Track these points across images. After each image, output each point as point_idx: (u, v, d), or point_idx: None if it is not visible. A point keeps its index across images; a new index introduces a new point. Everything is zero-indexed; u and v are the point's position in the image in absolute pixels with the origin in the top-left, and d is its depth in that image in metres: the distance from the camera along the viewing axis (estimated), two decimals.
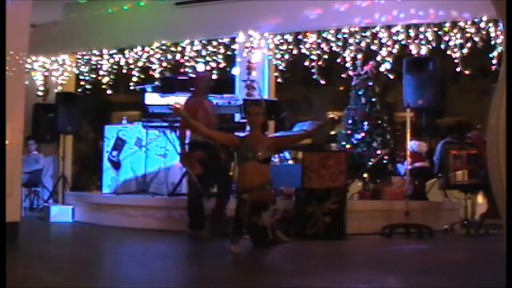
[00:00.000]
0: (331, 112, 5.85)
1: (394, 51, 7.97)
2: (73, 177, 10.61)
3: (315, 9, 8.32)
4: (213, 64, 8.99)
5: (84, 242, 6.10)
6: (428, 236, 6.43)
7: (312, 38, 8.41)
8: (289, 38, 8.56)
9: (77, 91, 10.23)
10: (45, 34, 9.49)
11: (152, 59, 9.46)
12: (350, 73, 8.22)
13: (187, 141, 6.38)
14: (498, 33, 7.24)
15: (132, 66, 9.62)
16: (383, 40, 8.02)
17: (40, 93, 10.32)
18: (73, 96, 10.11)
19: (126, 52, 9.71)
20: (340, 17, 8.24)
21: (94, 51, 10.02)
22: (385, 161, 7.88)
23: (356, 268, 4.56)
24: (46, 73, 10.35)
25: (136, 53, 9.61)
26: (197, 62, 9.06)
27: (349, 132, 8.00)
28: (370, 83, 8.07)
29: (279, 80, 8.69)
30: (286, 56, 8.60)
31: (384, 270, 4.29)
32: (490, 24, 7.40)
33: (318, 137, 7.00)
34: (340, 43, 8.25)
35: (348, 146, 7.89)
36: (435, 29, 7.75)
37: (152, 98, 7.79)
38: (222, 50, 9.00)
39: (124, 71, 9.74)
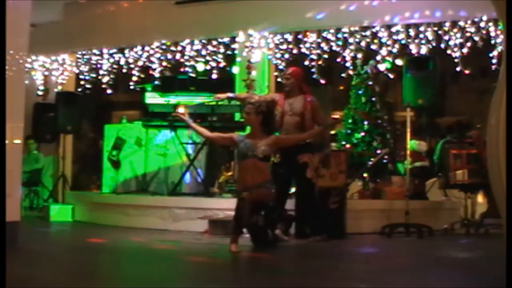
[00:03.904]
0: (334, 113, 5.85)
1: (394, 50, 7.96)
2: (73, 176, 10.59)
3: (315, 8, 8.30)
4: (213, 64, 8.98)
5: (84, 241, 6.09)
6: (428, 235, 6.43)
7: (312, 37, 8.40)
8: (289, 37, 8.55)
9: (77, 91, 10.21)
10: (45, 33, 9.47)
11: (152, 58, 9.45)
12: (350, 72, 8.21)
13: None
14: (498, 32, 7.23)
15: (132, 66, 9.62)
16: (383, 40, 8.01)
17: (40, 93, 10.31)
18: (73, 95, 10.10)
19: (126, 51, 9.69)
20: (340, 17, 8.23)
21: (94, 51, 10.00)
22: (385, 161, 7.89)
23: (356, 267, 4.55)
24: (46, 73, 10.34)
25: (136, 52, 9.59)
26: (197, 61, 9.04)
27: (349, 131, 8.01)
28: (370, 83, 8.08)
29: (279, 79, 8.67)
30: (286, 56, 8.59)
31: (384, 270, 4.30)
32: (490, 24, 7.39)
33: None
34: (340, 43, 8.24)
35: (348, 145, 7.89)
36: (435, 28, 7.74)
37: (152, 98, 7.80)
38: (222, 50, 8.99)
39: (124, 70, 9.72)
